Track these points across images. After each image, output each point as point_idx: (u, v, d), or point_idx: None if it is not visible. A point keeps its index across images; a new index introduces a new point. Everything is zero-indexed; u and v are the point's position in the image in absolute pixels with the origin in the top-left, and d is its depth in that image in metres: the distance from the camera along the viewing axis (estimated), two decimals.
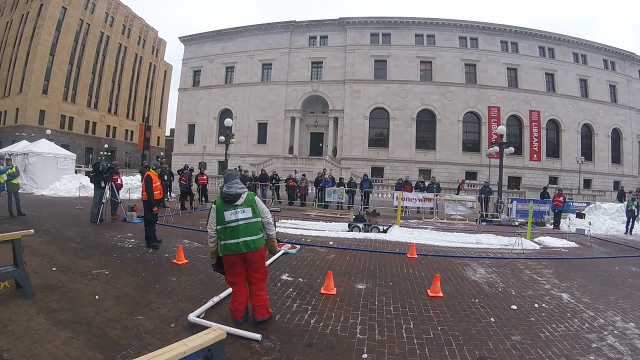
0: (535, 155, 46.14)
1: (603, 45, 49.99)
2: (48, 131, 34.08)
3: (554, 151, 47.50)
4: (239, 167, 28.54)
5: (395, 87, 46.54)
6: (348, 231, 14.16)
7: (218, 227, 5.09)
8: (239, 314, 5.20)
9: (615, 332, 5.62)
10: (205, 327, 4.68)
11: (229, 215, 5.07)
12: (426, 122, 46.71)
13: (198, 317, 5.11)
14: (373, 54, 47.72)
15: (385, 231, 14.05)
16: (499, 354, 4.67)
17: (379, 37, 48.24)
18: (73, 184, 22.94)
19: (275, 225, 11.11)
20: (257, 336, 4.64)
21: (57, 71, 61.63)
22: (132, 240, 10.28)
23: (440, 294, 6.81)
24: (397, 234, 13.80)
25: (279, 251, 9.26)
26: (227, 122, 27.46)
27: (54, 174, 23.72)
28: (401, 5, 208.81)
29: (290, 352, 4.45)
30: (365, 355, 4.46)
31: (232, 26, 53.27)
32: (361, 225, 14.28)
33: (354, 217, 15.48)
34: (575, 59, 48.80)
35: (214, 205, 5.21)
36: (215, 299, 5.79)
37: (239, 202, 5.15)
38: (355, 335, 5.02)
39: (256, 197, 5.39)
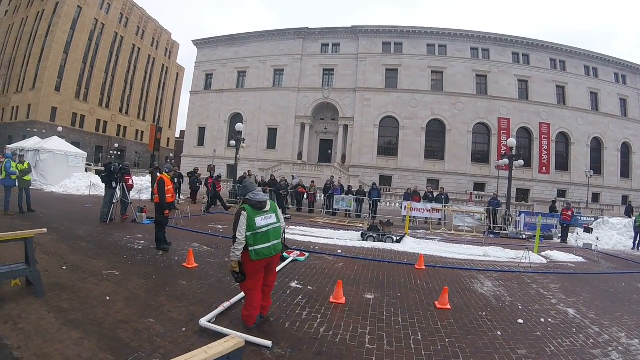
0: (544, 168, 46.01)
1: (614, 58, 49.81)
2: (59, 128, 34.43)
3: (563, 164, 47.31)
4: (248, 171, 28.63)
5: (406, 97, 46.63)
6: (361, 240, 14.18)
7: (248, 234, 5.09)
8: (252, 321, 5.26)
9: (620, 348, 5.69)
10: (216, 333, 4.83)
11: (259, 221, 5.21)
12: (436, 132, 46.72)
13: (209, 322, 5.16)
14: (385, 63, 47.88)
15: (399, 241, 14.12)
16: None
17: (390, 46, 48.41)
18: (83, 182, 23.10)
19: (284, 232, 11.34)
20: (268, 343, 4.68)
21: (70, 69, 62.15)
22: (142, 241, 10.30)
23: (448, 306, 6.87)
24: (409, 244, 13.89)
25: (288, 258, 9.45)
26: (239, 126, 27.61)
27: (64, 172, 23.77)
28: (413, 15, 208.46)
29: (300, 359, 4.53)
30: None
31: (245, 31, 53.27)
32: (375, 235, 14.28)
33: (368, 226, 15.44)
34: (586, 71, 48.68)
35: (243, 212, 5.19)
36: (226, 304, 5.83)
37: (267, 208, 5.36)
38: (365, 345, 5.07)
39: (277, 206, 5.66)
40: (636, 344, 5.91)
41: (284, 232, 5.69)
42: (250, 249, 5.11)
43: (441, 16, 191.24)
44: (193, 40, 56.93)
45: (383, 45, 48.53)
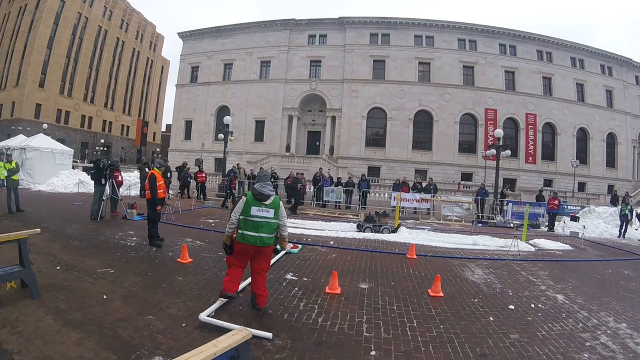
0: (530, 158, 46.53)
1: (600, 50, 50.36)
2: (45, 125, 34.10)
3: (549, 154, 47.96)
4: (237, 164, 28.45)
5: (393, 88, 46.78)
6: (357, 231, 14.29)
7: (241, 217, 5.57)
8: (234, 288, 5.77)
9: (608, 331, 5.83)
10: (216, 327, 4.85)
11: (255, 210, 5.56)
12: (423, 123, 47.03)
13: (209, 316, 5.16)
14: (372, 54, 47.94)
15: (395, 231, 14.29)
16: (499, 352, 4.85)
17: (378, 37, 48.47)
18: (71, 180, 22.77)
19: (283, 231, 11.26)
20: (269, 335, 4.72)
21: (54, 65, 61.38)
22: (134, 238, 10.22)
23: (441, 294, 6.97)
24: (404, 234, 14.02)
25: (282, 251, 9.42)
26: (227, 119, 27.47)
27: (51, 170, 23.39)
28: (401, 6, 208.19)
29: (302, 350, 4.55)
30: (373, 352, 4.59)
31: (231, 23, 52.91)
32: (371, 226, 14.40)
33: (364, 217, 15.55)
34: (572, 63, 49.22)
35: (244, 197, 5.72)
36: (224, 298, 5.83)
37: (267, 202, 5.65)
38: (362, 334, 5.14)
39: (281, 202, 5.84)
40: (624, 328, 6.05)
41: (281, 231, 5.92)
42: (239, 231, 5.59)
43: (429, 7, 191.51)
44: (178, 33, 56.43)
45: (370, 37, 48.56)
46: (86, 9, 66.41)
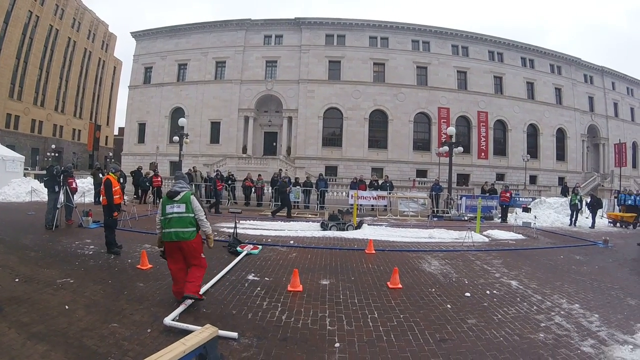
0: (482, 154, 47.93)
1: (550, 50, 52.40)
2: None
3: (501, 150, 49.57)
4: (193, 167, 28.08)
5: (349, 88, 47.19)
6: (322, 230, 14.45)
7: (161, 218, 6.02)
8: (180, 295, 5.78)
9: (562, 312, 6.08)
10: (181, 330, 4.80)
11: (168, 208, 5.98)
12: (378, 122, 47.68)
13: (173, 320, 5.13)
14: (328, 55, 48.23)
15: (359, 227, 14.78)
16: (457, 336, 5.01)
17: (333, 38, 48.84)
18: (23, 188, 21.89)
19: (236, 226, 11.15)
20: (234, 334, 4.74)
21: (3, 66, 58.33)
22: (92, 246, 9.97)
23: (400, 286, 7.12)
24: (365, 231, 14.39)
25: (242, 252, 9.50)
26: (182, 121, 27.25)
27: (2, 178, 22.26)
28: (357, 7, 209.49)
29: (268, 347, 4.59)
30: (337, 344, 4.68)
31: (186, 22, 52.24)
32: (336, 224, 14.60)
33: (328, 216, 15.68)
34: (523, 63, 51.16)
35: (161, 200, 6.26)
36: (188, 301, 5.78)
37: (177, 198, 5.98)
38: (326, 327, 5.24)
39: (192, 197, 6.10)
40: (577, 308, 6.31)
41: (201, 227, 6.11)
42: (163, 230, 6.00)
43: (384, 9, 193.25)
44: (131, 32, 55.05)
45: (326, 37, 48.85)
46: (37, 7, 63.48)
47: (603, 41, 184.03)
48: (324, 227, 14.68)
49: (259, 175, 25.29)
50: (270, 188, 24.16)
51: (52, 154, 63.45)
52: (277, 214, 19.31)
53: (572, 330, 5.33)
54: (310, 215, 20.06)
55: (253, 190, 24.16)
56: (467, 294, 6.81)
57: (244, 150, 48.18)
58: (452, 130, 24.08)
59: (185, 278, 5.89)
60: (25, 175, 26.47)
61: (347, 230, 14.30)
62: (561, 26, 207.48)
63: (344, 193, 26.30)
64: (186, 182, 6.36)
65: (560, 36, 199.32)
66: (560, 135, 51.99)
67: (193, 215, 5.95)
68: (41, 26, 64.70)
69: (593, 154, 56.39)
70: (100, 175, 19.59)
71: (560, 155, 51.91)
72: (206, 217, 6.13)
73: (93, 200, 20.04)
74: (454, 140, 23.38)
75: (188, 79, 51.36)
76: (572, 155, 52.13)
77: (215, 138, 49.69)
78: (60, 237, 11.26)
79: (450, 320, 5.55)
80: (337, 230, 14.28)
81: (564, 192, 29.69)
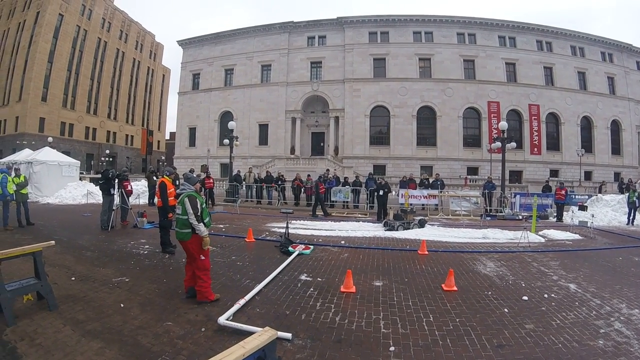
0: (535, 149, 46.43)
1: (600, 37, 50.24)
2: (49, 139, 33.96)
3: (554, 144, 47.80)
4: (249, 168, 28.56)
5: (394, 85, 46.76)
6: (385, 230, 14.56)
7: None
8: (185, 289, 6.35)
9: (622, 318, 5.90)
10: (235, 330, 4.94)
11: (177, 209, 6.32)
12: (426, 119, 46.98)
13: (227, 319, 5.21)
14: (372, 53, 47.93)
15: (422, 226, 15.03)
16: (515, 342, 4.94)
17: (377, 36, 48.46)
18: (78, 191, 22.95)
19: (287, 226, 11.21)
20: (288, 335, 4.80)
21: (55, 78, 61.23)
22: (147, 246, 10.32)
23: (455, 288, 7.06)
24: (419, 231, 14.42)
25: (294, 252, 9.57)
26: (231, 124, 27.60)
27: (58, 182, 23.55)
28: (399, 3, 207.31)
29: (322, 348, 4.64)
30: (392, 348, 4.69)
31: (230, 28, 53.00)
32: (403, 223, 14.75)
33: (393, 216, 15.67)
34: (572, 51, 49.12)
35: None
36: (242, 301, 5.91)
37: (178, 200, 6.27)
38: (380, 330, 5.23)
39: (186, 199, 6.11)
40: (637, 314, 6.11)
41: (193, 224, 6.09)
42: None
43: (426, 3, 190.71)
44: (178, 41, 56.58)
45: (369, 35, 48.54)
46: (84, 21, 66.29)
47: None
48: (389, 226, 14.74)
49: (308, 175, 25.35)
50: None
51: (106, 158, 65.58)
52: (318, 213, 19.45)
53: (631, 337, 5.19)
54: (360, 215, 20.05)
55: (302, 190, 24.26)
56: (525, 298, 6.70)
57: (292, 151, 48.58)
58: (503, 124, 23.52)
59: (190, 273, 6.27)
60: (80, 179, 27.54)
61: (412, 228, 14.51)
62: (607, 9, 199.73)
63: (393, 192, 26.10)
64: (191, 183, 6.41)
65: (607, 22, 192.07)
66: (615, 127, 49.79)
67: (187, 217, 6.02)
68: (90, 39, 67.40)
69: None
70: (155, 178, 20.16)
71: (615, 149, 49.63)
72: (200, 221, 6.08)
73: (147, 202, 20.62)
74: (505, 135, 22.84)
75: (235, 84, 52.23)
76: (627, 148, 49.82)
77: (263, 140, 50.34)
78: (116, 237, 11.70)
79: (507, 325, 5.48)
80: (403, 229, 14.40)
81: (621, 189, 28.57)
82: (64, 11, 62.03)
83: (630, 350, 4.76)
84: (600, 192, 28.29)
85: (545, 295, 6.86)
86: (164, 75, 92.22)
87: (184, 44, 56.33)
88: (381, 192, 19.02)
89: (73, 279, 7.12)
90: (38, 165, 22.98)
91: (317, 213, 19.47)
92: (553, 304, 6.46)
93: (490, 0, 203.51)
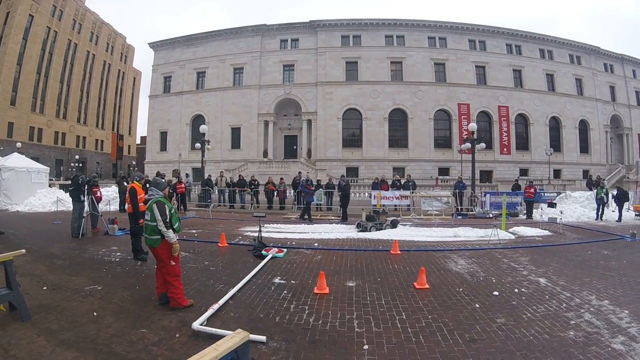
0: (505, 149, 47.38)
1: (568, 40, 51.59)
2: (18, 144, 33.24)
3: (523, 144, 48.92)
4: (221, 172, 28.33)
5: (367, 88, 47.16)
6: (358, 231, 14.59)
7: None
8: (158, 296, 6.27)
9: (591, 309, 6.05)
10: (210, 334, 4.90)
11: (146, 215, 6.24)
12: (398, 121, 47.54)
13: (201, 325, 5.18)
14: (344, 56, 48.28)
15: (395, 226, 15.10)
16: (487, 336, 5.03)
17: (349, 39, 48.87)
18: (48, 199, 22.33)
19: (260, 230, 11.22)
20: (262, 338, 4.79)
21: (25, 81, 59.54)
22: (118, 253, 10.15)
23: (427, 286, 7.13)
24: (392, 231, 14.42)
25: (267, 255, 9.56)
26: (203, 128, 27.36)
27: (28, 189, 22.89)
28: (371, 7, 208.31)
29: (297, 350, 4.66)
30: (366, 347, 4.73)
31: (202, 31, 52.65)
32: (376, 224, 14.82)
33: (365, 217, 15.79)
34: (541, 55, 50.39)
35: None
36: (215, 306, 5.87)
37: (147, 206, 6.24)
38: (354, 330, 5.27)
39: (154, 205, 6.04)
40: (606, 304, 6.28)
41: (162, 230, 6.00)
42: None
43: (398, 7, 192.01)
44: (149, 43, 55.91)
45: (342, 39, 48.95)
46: (55, 22, 64.70)
47: (618, 28, 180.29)
48: (362, 227, 14.77)
49: (281, 178, 25.35)
50: (292, 191, 24.21)
51: (76, 164, 64.15)
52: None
53: (602, 327, 5.32)
54: (333, 217, 20.07)
55: (275, 193, 24.22)
56: (496, 293, 6.82)
57: (265, 154, 48.52)
58: (473, 126, 23.88)
59: (161, 280, 6.22)
60: (50, 185, 26.89)
61: (385, 229, 14.55)
62: (573, 15, 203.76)
63: (366, 194, 26.27)
64: (160, 189, 6.36)
65: (575, 26, 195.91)
66: (583, 127, 51.19)
67: (155, 223, 5.94)
68: (60, 41, 65.74)
69: (617, 144, 55.37)
70: (125, 184, 19.86)
71: (584, 148, 51.05)
72: (169, 227, 6.00)
73: (118, 209, 20.32)
74: (475, 136, 23.19)
75: (207, 87, 51.91)
76: (595, 147, 51.26)
77: (236, 143, 50.12)
78: (87, 245, 11.46)
79: (479, 320, 5.57)
80: (376, 230, 14.46)
81: (590, 186, 29.29)
82: (35, 12, 60.29)
83: (600, 340, 4.88)
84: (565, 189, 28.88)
85: (516, 290, 6.97)
86: (134, 78, 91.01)
87: (156, 46, 55.69)
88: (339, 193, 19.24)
89: (45, 288, 6.97)
90: (7, 171, 22.21)
91: (305, 216, 19.27)
92: (523, 298, 6.58)
93: (461, 5, 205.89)
